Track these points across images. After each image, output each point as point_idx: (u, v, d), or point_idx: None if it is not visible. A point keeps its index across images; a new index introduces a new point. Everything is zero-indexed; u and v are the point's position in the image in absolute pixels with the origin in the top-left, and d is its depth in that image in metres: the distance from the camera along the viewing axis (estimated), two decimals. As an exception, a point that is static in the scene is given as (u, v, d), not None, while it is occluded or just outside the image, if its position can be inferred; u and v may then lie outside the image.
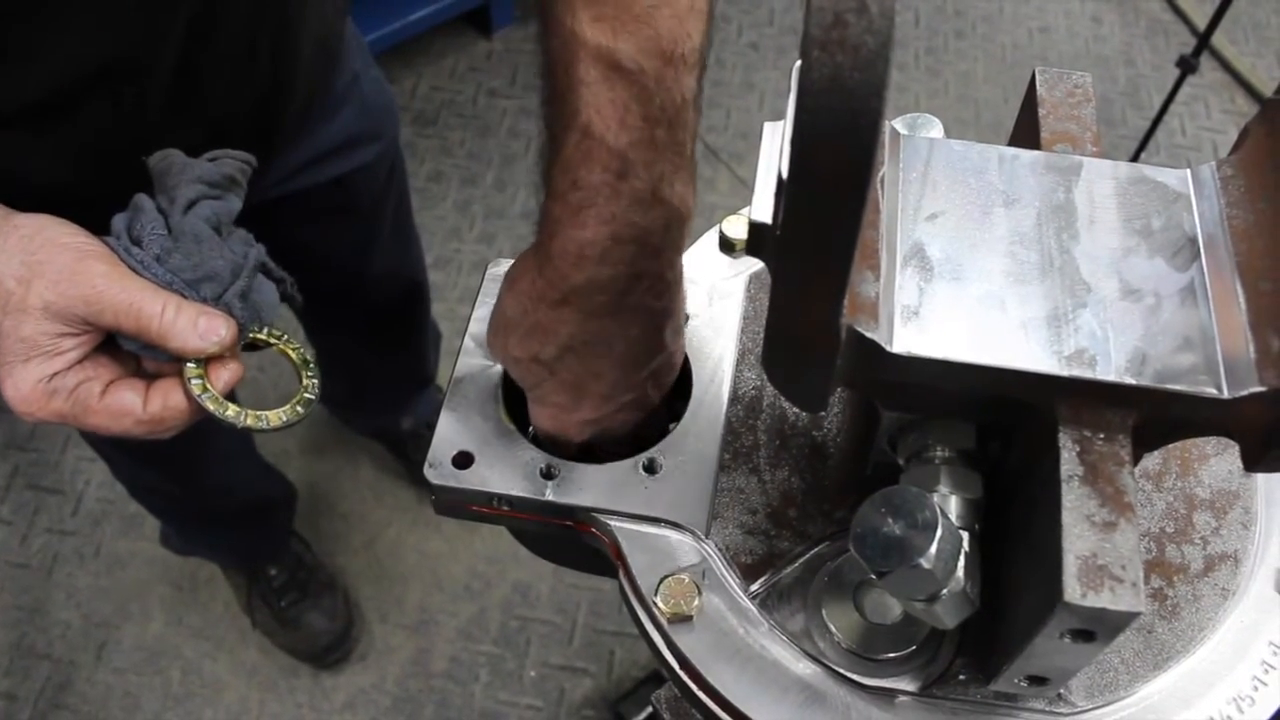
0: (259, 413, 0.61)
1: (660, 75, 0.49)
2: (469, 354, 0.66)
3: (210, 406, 0.58)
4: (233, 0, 0.76)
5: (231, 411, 0.59)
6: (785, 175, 0.39)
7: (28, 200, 0.60)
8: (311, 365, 0.64)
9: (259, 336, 0.63)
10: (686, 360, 0.66)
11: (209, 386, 0.59)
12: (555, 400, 0.57)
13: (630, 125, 0.49)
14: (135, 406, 0.57)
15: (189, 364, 0.58)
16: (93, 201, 0.62)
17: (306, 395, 0.63)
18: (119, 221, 0.60)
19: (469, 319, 0.68)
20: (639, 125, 0.49)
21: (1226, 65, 2.30)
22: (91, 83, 0.72)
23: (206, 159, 0.62)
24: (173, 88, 0.76)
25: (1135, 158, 1.94)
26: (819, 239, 0.39)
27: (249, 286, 0.61)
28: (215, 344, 0.58)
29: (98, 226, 0.60)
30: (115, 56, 0.72)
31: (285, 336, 0.65)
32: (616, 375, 0.55)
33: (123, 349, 0.58)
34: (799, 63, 0.41)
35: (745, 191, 2.08)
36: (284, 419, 0.61)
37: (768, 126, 0.50)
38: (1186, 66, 1.78)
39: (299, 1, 0.83)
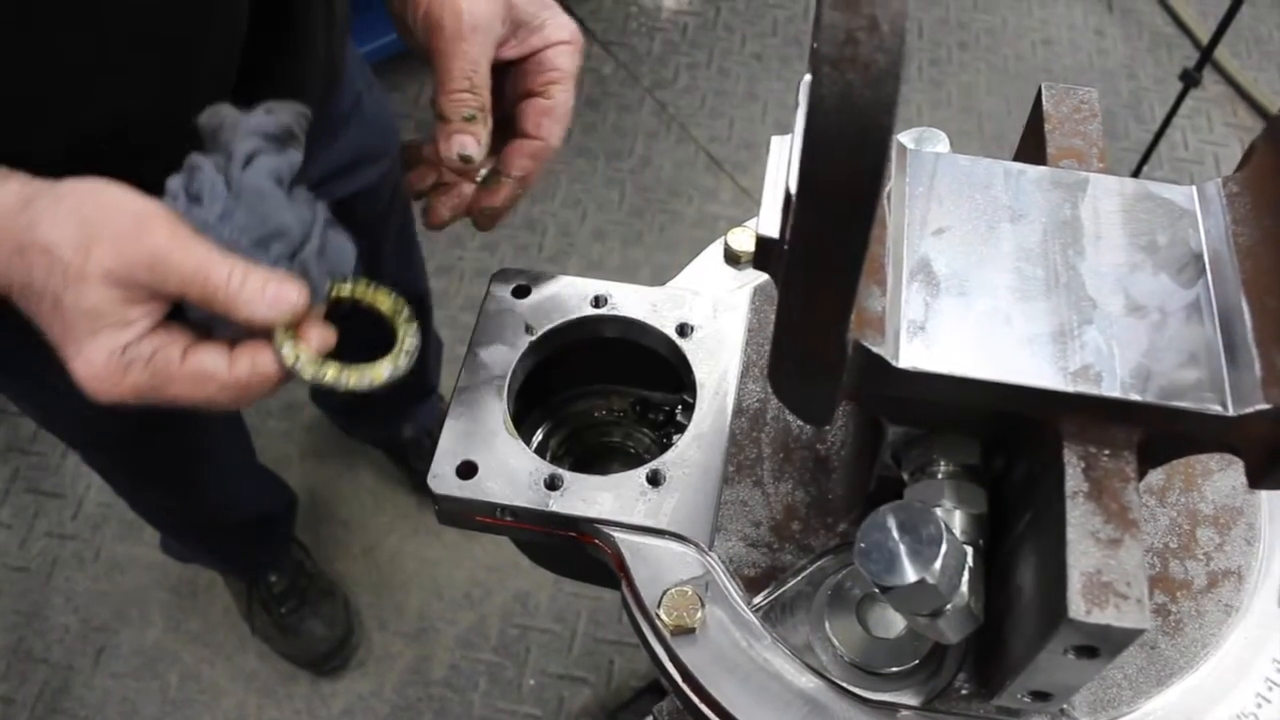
0: (360, 369, 0.56)
1: None
2: (473, 365, 0.66)
3: (307, 371, 0.54)
4: (281, 55, 0.74)
5: (331, 373, 0.54)
6: (793, 190, 0.40)
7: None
8: (407, 313, 0.59)
9: (344, 293, 0.58)
10: (691, 372, 0.66)
11: (302, 348, 0.54)
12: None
13: None
14: (219, 370, 0.53)
15: (279, 327, 0.53)
16: None
17: (406, 347, 0.57)
18: (174, 183, 0.55)
19: (473, 329, 0.68)
20: None
21: (1229, 79, 2.31)
22: (111, 137, 0.68)
23: (261, 110, 0.57)
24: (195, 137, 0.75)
25: (1138, 171, 1.95)
26: (827, 254, 0.40)
27: (324, 242, 0.56)
28: (287, 312, 0.53)
29: None
30: (142, 109, 0.69)
31: (373, 286, 0.59)
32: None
33: (190, 318, 0.54)
34: (808, 78, 0.42)
35: (748, 202, 2.08)
36: (387, 374, 0.56)
37: (775, 140, 0.50)
38: (1189, 80, 1.78)
39: (313, 31, 0.82)
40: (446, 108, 0.59)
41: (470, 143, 0.59)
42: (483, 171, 0.64)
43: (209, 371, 0.53)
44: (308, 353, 0.54)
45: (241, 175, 0.54)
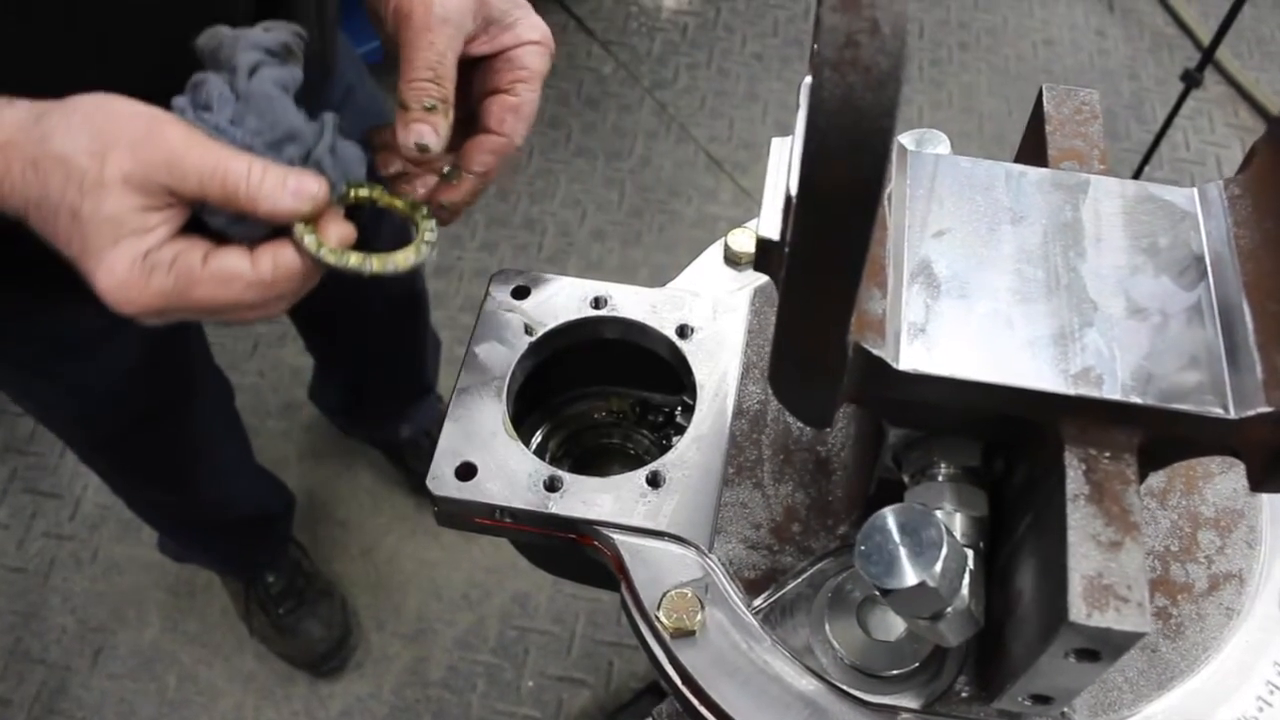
0: (384, 256, 0.56)
1: None
2: (473, 366, 0.66)
3: (330, 259, 0.54)
4: None
5: (354, 260, 0.55)
6: (794, 193, 0.39)
7: None
8: (424, 208, 0.60)
9: (360, 193, 0.58)
10: (691, 374, 0.66)
11: (323, 239, 0.54)
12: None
13: None
14: (243, 269, 0.52)
15: (298, 223, 0.53)
16: None
17: (426, 238, 0.58)
18: (180, 100, 0.55)
19: (472, 330, 0.68)
20: None
21: (1230, 79, 2.30)
22: None
23: (260, 28, 0.57)
24: None
25: (1139, 172, 1.94)
26: (827, 256, 0.39)
27: (336, 143, 0.56)
28: (310, 202, 0.53)
29: None
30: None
31: (382, 188, 0.60)
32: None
33: (209, 225, 0.54)
34: (808, 80, 0.42)
35: (748, 202, 2.08)
36: (411, 260, 0.57)
37: (775, 142, 0.50)
38: (1191, 80, 1.78)
39: (307, 26, 0.82)
40: (407, 96, 0.59)
41: (428, 132, 0.58)
42: (446, 168, 0.63)
43: (233, 271, 0.52)
44: (329, 243, 0.54)
45: (248, 84, 0.54)
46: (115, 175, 0.50)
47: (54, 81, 0.66)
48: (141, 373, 1.00)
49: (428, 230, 0.59)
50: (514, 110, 0.63)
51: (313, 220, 0.54)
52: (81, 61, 0.65)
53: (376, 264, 0.55)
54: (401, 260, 0.56)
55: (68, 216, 0.51)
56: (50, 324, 0.89)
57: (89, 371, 0.95)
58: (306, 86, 0.57)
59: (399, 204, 0.60)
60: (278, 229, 0.54)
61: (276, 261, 0.53)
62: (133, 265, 0.51)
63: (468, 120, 0.63)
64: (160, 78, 0.68)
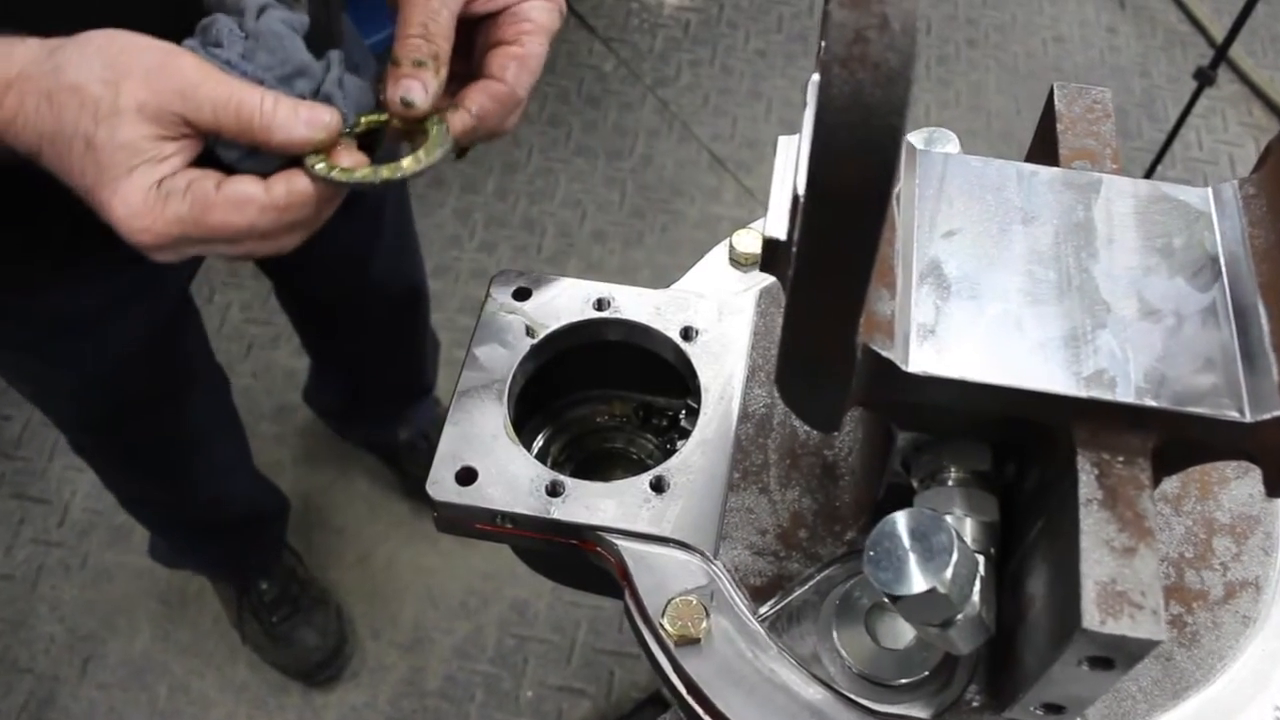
0: (392, 165, 0.57)
1: None
2: (473, 368, 0.65)
3: (341, 177, 0.55)
4: None
5: (364, 173, 0.56)
6: (802, 192, 0.39)
7: None
8: (438, 119, 0.60)
9: (371, 120, 0.59)
10: (696, 377, 0.65)
11: (333, 162, 0.55)
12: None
13: None
14: (257, 192, 0.53)
15: (310, 154, 0.55)
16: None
17: (436, 143, 0.59)
18: (191, 41, 0.56)
19: (473, 332, 0.67)
20: None
21: (1244, 77, 2.29)
22: None
23: None
24: None
25: (1151, 170, 1.93)
26: (836, 257, 0.39)
27: (343, 77, 0.58)
28: (323, 130, 0.54)
29: None
30: None
31: (389, 116, 0.60)
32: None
33: (221, 159, 0.55)
34: (817, 77, 0.41)
35: (752, 202, 2.07)
36: (422, 161, 0.57)
37: (782, 140, 0.49)
38: (1204, 78, 1.76)
39: (316, 10, 0.82)
40: (397, 52, 0.59)
41: (416, 88, 0.58)
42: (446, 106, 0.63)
43: (247, 195, 0.53)
44: (339, 165, 0.55)
45: (257, 23, 0.56)
46: (130, 104, 0.51)
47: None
48: (139, 358, 0.99)
49: (436, 138, 0.59)
50: (517, 59, 0.62)
51: (324, 151, 0.55)
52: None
53: (386, 171, 0.56)
54: (410, 164, 0.57)
55: (81, 146, 0.51)
56: (49, 303, 0.88)
57: (86, 353, 0.95)
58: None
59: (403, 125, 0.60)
60: (289, 163, 0.55)
61: (290, 186, 0.54)
62: (147, 193, 0.51)
63: (470, 78, 0.62)
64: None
